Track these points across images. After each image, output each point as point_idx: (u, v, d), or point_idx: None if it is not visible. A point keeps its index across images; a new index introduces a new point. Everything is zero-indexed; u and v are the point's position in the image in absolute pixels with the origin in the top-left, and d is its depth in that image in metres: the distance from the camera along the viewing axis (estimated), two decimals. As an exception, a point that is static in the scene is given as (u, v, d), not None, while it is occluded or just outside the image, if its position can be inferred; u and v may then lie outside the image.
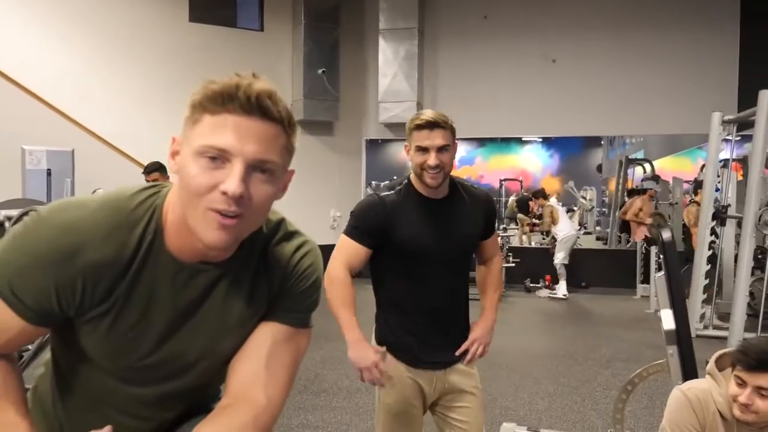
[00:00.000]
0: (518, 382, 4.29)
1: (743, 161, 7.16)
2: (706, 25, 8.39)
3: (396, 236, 1.88)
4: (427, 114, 1.84)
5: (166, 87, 7.85)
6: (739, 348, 1.77)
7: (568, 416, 3.71)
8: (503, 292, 6.77)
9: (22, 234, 0.90)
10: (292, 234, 1.07)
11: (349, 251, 1.91)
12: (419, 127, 1.82)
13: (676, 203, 8.78)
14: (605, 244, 11.27)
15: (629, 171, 11.04)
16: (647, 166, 11.05)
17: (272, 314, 1.05)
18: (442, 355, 1.97)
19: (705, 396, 1.81)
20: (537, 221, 9.07)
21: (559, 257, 8.13)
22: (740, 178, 7.01)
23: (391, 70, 8.85)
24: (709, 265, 5.90)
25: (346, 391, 4.05)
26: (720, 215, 5.93)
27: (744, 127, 6.12)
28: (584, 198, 14.00)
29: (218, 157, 0.86)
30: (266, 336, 1.04)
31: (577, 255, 8.42)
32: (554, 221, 8.31)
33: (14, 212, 4.13)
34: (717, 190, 6.25)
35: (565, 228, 8.30)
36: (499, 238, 8.05)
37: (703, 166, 7.30)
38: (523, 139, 16.39)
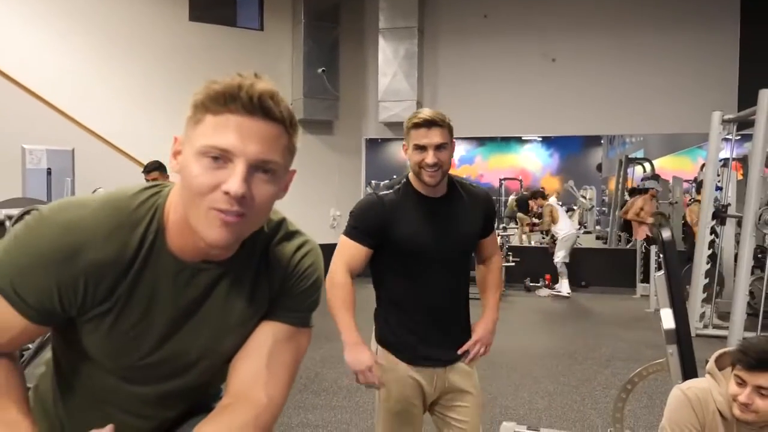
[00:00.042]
0: (518, 381, 4.30)
1: (743, 160, 7.17)
2: (706, 24, 8.39)
3: (395, 235, 1.89)
4: (425, 112, 1.84)
5: (166, 86, 7.85)
6: (739, 347, 1.77)
7: (567, 415, 3.71)
8: (503, 292, 6.77)
9: (24, 233, 0.91)
10: (293, 234, 1.07)
11: (349, 252, 1.91)
12: (417, 125, 1.83)
13: (676, 202, 8.79)
14: (605, 243, 11.28)
15: (629, 170, 11.05)
16: (647, 165, 11.05)
17: (273, 314, 1.06)
18: (443, 353, 1.97)
19: (705, 395, 1.82)
20: (537, 220, 9.07)
21: (560, 256, 8.14)
22: (740, 177, 7.01)
23: (390, 70, 8.84)
24: (709, 264, 5.90)
25: (346, 390, 4.06)
26: (720, 214, 5.94)
27: (744, 126, 6.11)
28: (584, 197, 14.01)
29: (220, 157, 0.86)
30: (267, 335, 1.05)
31: (577, 254, 8.43)
32: (554, 220, 8.32)
33: (15, 211, 4.14)
34: (719, 188, 6.25)
35: (565, 227, 8.31)
36: (498, 238, 8.10)
37: (703, 165, 7.30)
38: (522, 138, 16.39)
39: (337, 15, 8.79)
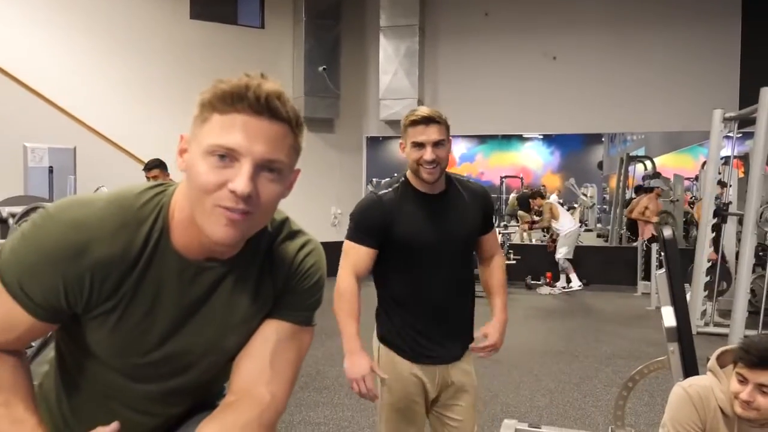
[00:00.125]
0: (519, 379, 4.30)
1: (744, 158, 7.16)
2: (707, 22, 8.37)
3: (396, 233, 1.89)
4: (422, 110, 1.85)
5: (168, 84, 7.86)
6: (740, 345, 1.77)
7: (569, 413, 3.72)
8: (504, 290, 6.77)
9: (30, 231, 0.92)
10: (296, 233, 1.08)
11: (354, 256, 1.91)
12: (414, 123, 1.84)
13: (677, 200, 8.79)
14: (606, 241, 11.28)
15: (630, 168, 11.04)
16: (648, 163, 11.05)
17: (276, 312, 1.06)
18: (445, 351, 1.98)
19: (706, 393, 1.82)
20: (537, 218, 9.07)
21: (562, 252, 8.16)
22: (741, 175, 7.01)
23: (391, 68, 8.84)
24: (710, 263, 5.90)
25: (348, 387, 4.02)
26: (721, 212, 5.93)
27: (745, 124, 6.11)
28: (585, 195, 14.01)
29: (227, 156, 0.87)
30: (270, 333, 1.05)
31: (578, 252, 8.43)
32: (555, 217, 8.33)
33: (18, 209, 4.16)
34: (727, 186, 6.24)
35: (566, 223, 8.32)
36: (500, 236, 8.11)
37: (704, 163, 7.30)
38: (523, 136, 16.40)
39: (338, 13, 8.79)
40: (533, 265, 8.62)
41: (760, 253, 5.89)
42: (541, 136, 16.67)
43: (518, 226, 10.86)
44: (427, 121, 1.83)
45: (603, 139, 16.30)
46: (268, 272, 1.04)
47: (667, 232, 2.26)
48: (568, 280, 8.33)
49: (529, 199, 9.60)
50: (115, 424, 0.98)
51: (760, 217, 5.25)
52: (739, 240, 5.79)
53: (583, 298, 7.90)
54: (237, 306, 1.03)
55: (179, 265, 0.97)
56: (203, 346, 1.04)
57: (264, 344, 1.05)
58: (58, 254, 0.90)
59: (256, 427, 0.99)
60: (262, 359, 1.04)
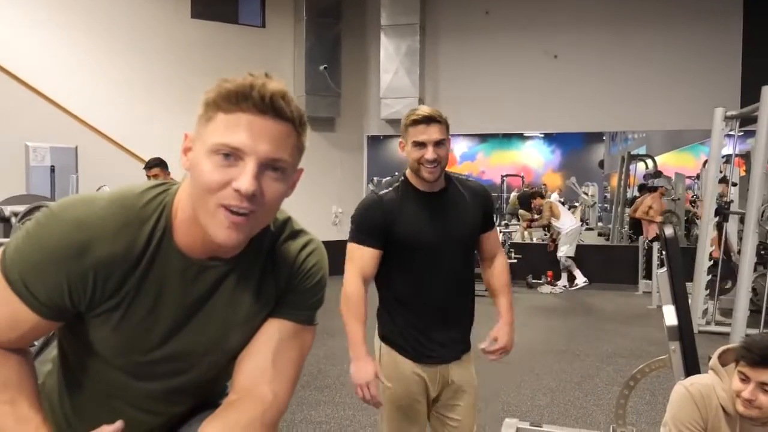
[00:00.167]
0: (520, 378, 4.30)
1: (746, 157, 7.15)
2: (708, 20, 8.36)
3: (398, 232, 1.89)
4: (422, 109, 1.86)
5: (169, 83, 7.87)
6: (742, 344, 1.77)
7: (570, 412, 3.72)
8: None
9: (35, 230, 0.92)
10: (298, 232, 1.08)
11: (359, 258, 1.90)
12: (416, 122, 1.84)
13: (678, 199, 8.79)
14: (607, 240, 11.27)
15: (631, 167, 11.03)
16: (649, 161, 11.04)
17: (278, 311, 1.07)
18: (446, 350, 1.98)
19: (708, 391, 1.82)
20: (537, 216, 9.07)
21: (563, 250, 8.16)
22: (743, 173, 7.00)
23: (392, 66, 8.84)
24: (711, 261, 5.90)
25: (349, 386, 4.05)
26: (723, 211, 5.93)
27: (747, 122, 6.10)
28: (586, 194, 13.99)
29: (231, 155, 0.87)
30: (273, 333, 1.06)
31: (579, 251, 8.43)
32: (555, 216, 8.33)
33: (20, 208, 4.16)
34: (734, 184, 6.23)
35: (567, 222, 8.33)
36: (501, 235, 8.11)
37: (706, 162, 7.29)
38: (524, 134, 16.38)
39: (339, 12, 8.79)
40: (534, 264, 8.61)
41: (762, 252, 5.88)
42: (542, 135, 16.65)
43: (519, 225, 10.86)
44: (428, 120, 1.83)
45: (604, 138, 16.27)
46: (271, 271, 1.05)
47: (669, 230, 2.26)
48: (572, 279, 8.32)
49: (530, 199, 9.59)
50: (119, 423, 0.99)
51: (762, 216, 5.24)
52: (740, 239, 5.78)
53: (584, 296, 7.90)
54: (239, 305, 1.03)
55: (182, 263, 0.97)
56: (205, 345, 1.04)
57: (266, 343, 1.05)
58: (62, 253, 0.90)
59: (259, 426, 1.00)
60: (264, 358, 1.04)
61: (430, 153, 1.83)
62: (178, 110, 7.25)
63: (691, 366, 2.15)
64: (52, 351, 1.16)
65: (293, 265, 1.06)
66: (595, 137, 16.34)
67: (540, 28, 8.84)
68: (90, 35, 7.57)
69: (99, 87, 7.55)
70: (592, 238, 11.68)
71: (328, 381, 4.19)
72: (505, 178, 15.04)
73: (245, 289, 1.03)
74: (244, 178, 0.86)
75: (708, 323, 5.81)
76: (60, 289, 0.92)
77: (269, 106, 0.87)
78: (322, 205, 8.69)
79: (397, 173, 2.04)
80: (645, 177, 10.68)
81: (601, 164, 15.78)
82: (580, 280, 8.20)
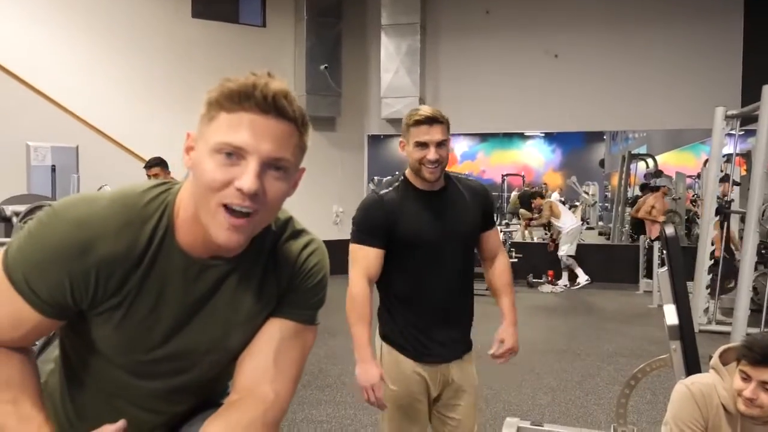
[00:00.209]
0: (521, 377, 4.30)
1: (747, 156, 7.15)
2: (709, 19, 8.35)
3: (399, 231, 1.90)
4: (425, 110, 1.86)
5: (170, 83, 7.88)
6: (744, 343, 1.78)
7: (571, 411, 3.72)
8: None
9: (37, 229, 0.92)
10: (300, 232, 1.09)
11: (364, 259, 1.90)
12: (418, 122, 1.85)
13: (679, 198, 8.79)
14: (608, 239, 11.27)
15: (632, 166, 11.02)
16: (650, 161, 11.03)
17: (280, 311, 1.07)
18: (447, 349, 1.98)
19: (708, 390, 1.82)
20: (536, 215, 9.07)
21: (564, 249, 8.17)
22: (744, 173, 7.00)
23: (393, 66, 8.84)
24: (712, 261, 5.90)
25: (350, 386, 4.07)
26: (723, 210, 5.93)
27: (748, 121, 6.10)
28: (587, 193, 13.99)
29: (234, 154, 0.87)
30: (274, 332, 1.06)
31: (579, 250, 8.43)
32: (555, 215, 8.33)
33: (21, 208, 4.16)
34: (737, 183, 6.21)
35: (568, 221, 8.34)
36: (501, 234, 8.11)
37: (707, 161, 7.29)
38: (525, 134, 16.36)
39: (340, 11, 8.79)
40: (535, 263, 8.61)
41: (763, 251, 5.88)
42: (543, 134, 16.63)
43: (520, 224, 10.86)
44: (431, 121, 1.84)
45: (605, 137, 16.27)
46: (272, 271, 1.05)
47: (669, 229, 2.25)
48: (573, 278, 8.33)
49: (530, 199, 9.59)
50: (121, 422, 0.99)
51: (763, 215, 5.24)
52: (741, 238, 5.78)
53: (584, 296, 7.90)
54: (241, 304, 1.03)
55: (183, 262, 0.98)
56: (207, 344, 1.04)
57: (268, 343, 1.05)
58: (64, 252, 0.90)
59: (260, 425, 1.00)
60: (265, 358, 1.04)
61: (432, 154, 1.83)
62: (178, 109, 7.26)
63: (692, 365, 2.14)
64: (54, 350, 1.16)
65: (295, 265, 1.06)
66: (596, 136, 16.33)
67: (540, 28, 8.83)
68: (90, 34, 7.58)
69: (100, 86, 7.56)
70: (592, 238, 11.68)
71: (329, 380, 4.20)
72: (505, 177, 15.04)
73: (247, 288, 1.03)
74: (247, 177, 0.86)
75: (709, 322, 5.81)
76: (62, 288, 0.92)
77: (272, 105, 0.87)
78: (322, 205, 8.69)
79: (397, 173, 2.05)
80: (646, 176, 10.68)
81: (602, 163, 15.77)
82: (582, 278, 8.21)
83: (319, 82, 8.53)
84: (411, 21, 8.82)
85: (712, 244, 5.92)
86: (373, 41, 9.09)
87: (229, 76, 0.90)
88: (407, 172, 1.97)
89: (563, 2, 8.79)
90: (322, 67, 8.53)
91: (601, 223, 13.82)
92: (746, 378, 1.73)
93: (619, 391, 2.53)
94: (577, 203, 13.76)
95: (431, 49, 9.10)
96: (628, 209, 10.28)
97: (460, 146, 16.82)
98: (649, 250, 7.87)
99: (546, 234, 10.01)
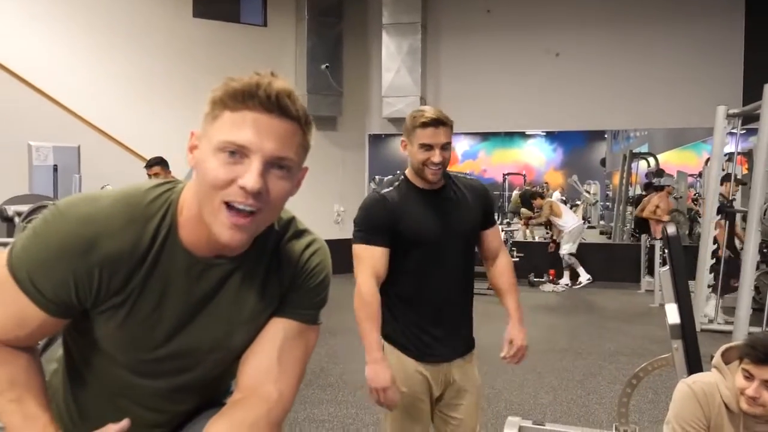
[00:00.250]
0: (523, 376, 4.31)
1: (748, 155, 7.14)
2: (710, 18, 8.34)
3: (401, 230, 1.90)
4: (430, 111, 1.86)
5: (171, 83, 7.88)
6: (747, 341, 1.78)
7: (572, 410, 3.72)
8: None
9: (41, 228, 0.93)
10: (302, 232, 1.09)
11: (370, 259, 1.88)
12: (425, 124, 1.85)
13: (681, 197, 8.78)
14: (609, 238, 11.26)
15: (633, 165, 11.01)
16: (651, 160, 11.02)
17: (282, 311, 1.07)
18: (448, 349, 1.98)
19: (711, 389, 1.82)
20: (536, 214, 9.07)
21: (566, 248, 8.16)
22: (745, 171, 6.99)
23: (394, 65, 8.84)
24: (714, 260, 5.89)
25: (352, 385, 4.07)
26: (725, 209, 5.92)
27: (749, 120, 6.09)
28: (588, 192, 13.98)
29: (237, 153, 0.88)
30: (277, 332, 1.06)
31: (581, 249, 8.43)
32: (556, 215, 8.33)
33: (23, 208, 4.16)
34: (743, 183, 6.19)
35: (570, 220, 8.34)
36: (502, 233, 8.10)
37: (708, 160, 7.28)
38: (526, 133, 16.36)
39: (341, 11, 8.79)
40: (536, 262, 8.61)
41: (765, 250, 5.87)
42: (544, 133, 16.62)
43: (520, 223, 10.84)
44: (437, 123, 1.84)
45: (606, 136, 16.25)
46: (275, 270, 1.05)
47: (671, 229, 2.25)
48: (575, 277, 8.32)
49: (531, 198, 9.59)
50: (125, 422, 0.99)
51: (764, 214, 5.23)
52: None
53: (586, 295, 7.90)
54: (244, 303, 1.04)
55: (187, 261, 0.98)
56: (210, 343, 1.05)
57: (271, 342, 1.05)
58: (68, 249, 0.91)
59: (264, 424, 1.00)
60: (269, 357, 1.04)
61: (437, 156, 1.85)
62: (181, 109, 7.26)
63: (694, 364, 2.14)
64: (58, 350, 1.16)
65: (297, 265, 1.06)
66: (597, 135, 16.31)
67: (541, 27, 8.83)
68: (92, 34, 7.58)
69: (101, 86, 7.56)
70: (594, 237, 11.67)
71: (330, 379, 4.20)
72: (507, 176, 15.03)
73: (250, 287, 1.03)
74: (250, 176, 0.86)
75: (710, 322, 5.81)
76: (67, 286, 0.92)
77: (275, 104, 0.88)
78: (324, 204, 8.69)
79: (398, 171, 2.05)
80: (647, 175, 10.66)
81: (603, 162, 15.76)
82: (584, 278, 8.21)
83: (320, 82, 8.54)
84: (412, 20, 8.82)
85: (715, 243, 5.91)
86: (374, 40, 9.09)
87: (229, 75, 0.90)
88: (408, 171, 1.97)
89: (564, 1, 8.78)
90: (324, 66, 8.53)
91: (602, 222, 13.81)
92: (749, 376, 1.73)
93: (620, 390, 2.53)
94: (579, 202, 13.75)
95: (432, 48, 9.10)
96: (630, 208, 10.26)
97: (461, 145, 16.81)
98: (651, 249, 7.87)
99: (547, 233, 10.00)
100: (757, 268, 5.46)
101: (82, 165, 6.62)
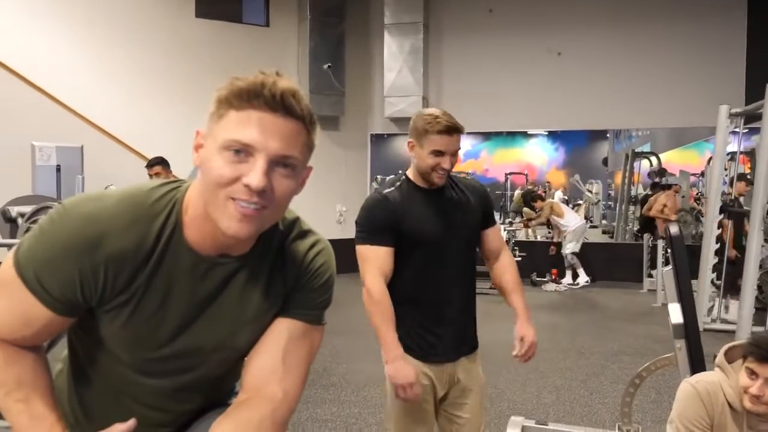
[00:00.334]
0: (525, 376, 4.30)
1: (751, 154, 7.12)
2: (712, 16, 8.33)
3: (404, 230, 1.90)
4: (444, 118, 1.86)
5: (174, 83, 7.90)
6: (750, 340, 1.78)
7: (575, 410, 3.72)
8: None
9: (47, 227, 0.93)
10: (306, 232, 1.09)
11: (377, 259, 1.89)
12: (440, 132, 1.85)
13: (683, 196, 8.76)
14: (611, 237, 11.24)
15: (635, 164, 10.99)
16: (654, 159, 11.00)
17: (287, 311, 1.08)
18: (452, 349, 1.98)
19: (714, 388, 1.82)
20: (536, 214, 9.05)
21: (569, 247, 8.16)
22: (748, 170, 6.98)
23: (396, 65, 8.85)
24: (716, 259, 5.88)
25: (355, 384, 4.08)
26: (727, 209, 5.91)
27: (752, 119, 6.08)
28: (590, 191, 13.96)
29: (242, 151, 0.88)
30: (282, 332, 1.07)
31: (583, 248, 8.43)
32: (558, 215, 8.32)
33: (27, 209, 4.18)
34: (751, 183, 6.17)
35: (572, 219, 8.34)
36: (505, 233, 8.11)
37: (710, 159, 7.27)
38: (528, 132, 16.34)
39: (343, 11, 8.79)
40: (539, 261, 8.61)
41: (768, 249, 5.86)
42: (546, 133, 16.59)
43: (521, 223, 10.82)
44: (453, 131, 1.86)
45: (608, 135, 16.18)
46: (279, 270, 1.05)
47: (674, 228, 2.25)
48: (576, 276, 8.32)
49: (531, 201, 9.58)
50: (131, 421, 1.00)
51: (767, 214, 5.22)
52: (744, 236, 5.76)
53: (588, 294, 7.90)
54: (248, 302, 1.04)
55: (192, 260, 0.98)
56: (214, 342, 1.05)
57: (276, 342, 1.06)
58: (74, 248, 0.91)
59: (269, 424, 1.01)
60: (274, 357, 1.05)
61: (447, 163, 1.87)
62: (185, 109, 7.29)
63: (697, 364, 2.14)
64: (63, 350, 1.17)
65: (301, 265, 1.06)
66: (599, 135, 16.23)
67: (543, 26, 8.83)
68: (94, 35, 7.60)
69: (104, 86, 7.58)
70: (596, 236, 11.65)
71: (333, 379, 4.20)
72: (509, 176, 15.00)
73: (254, 286, 1.04)
74: (254, 174, 0.87)
75: (713, 321, 5.80)
76: (72, 285, 0.93)
77: (280, 103, 0.88)
78: (326, 204, 8.70)
79: (400, 171, 2.06)
80: (649, 174, 10.63)
81: (605, 162, 15.72)
82: (582, 279, 8.21)
83: (322, 82, 8.55)
84: (414, 20, 8.82)
85: (717, 243, 5.90)
86: (377, 40, 9.09)
87: (232, 75, 0.91)
88: (409, 171, 1.98)
89: (566, 1, 8.78)
90: (326, 66, 8.54)
91: (604, 222, 13.78)
92: (753, 375, 1.73)
93: (623, 389, 2.53)
94: (581, 202, 13.73)
95: (434, 47, 9.10)
96: (632, 208, 10.24)
97: (463, 145, 16.49)
98: (653, 249, 7.85)
99: (549, 232, 9.99)
100: (761, 267, 5.45)
101: (85, 165, 6.63)
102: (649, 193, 9.27)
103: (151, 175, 5.09)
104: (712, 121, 6.17)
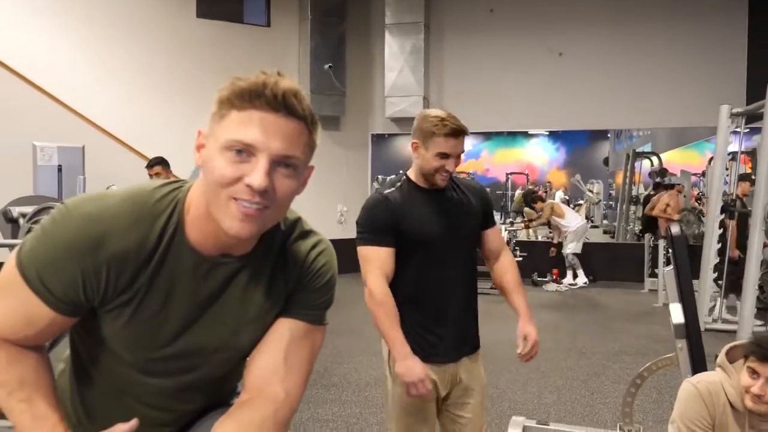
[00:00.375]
0: (526, 376, 4.30)
1: (752, 154, 7.12)
2: (713, 16, 8.33)
3: (404, 230, 1.90)
4: (450, 120, 1.86)
5: (175, 83, 7.91)
6: (752, 339, 1.78)
7: (576, 410, 3.72)
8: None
9: (50, 227, 0.94)
10: (308, 233, 1.10)
11: (378, 259, 1.88)
12: (446, 135, 1.85)
13: (684, 196, 8.75)
14: (612, 237, 11.24)
15: (636, 164, 10.99)
16: (655, 159, 11.00)
17: (289, 311, 1.08)
18: (454, 349, 1.98)
19: (715, 388, 1.82)
20: (536, 215, 9.05)
21: (570, 247, 8.16)
22: (749, 170, 6.97)
23: (397, 65, 8.85)
24: (718, 259, 5.88)
25: (356, 384, 4.08)
26: (729, 209, 5.91)
27: (753, 119, 6.07)
28: (591, 191, 13.95)
29: (244, 151, 0.88)
30: (284, 332, 1.07)
31: (584, 248, 8.43)
32: (559, 215, 8.32)
33: (28, 209, 4.18)
34: (752, 182, 6.16)
35: (573, 220, 8.33)
36: (506, 233, 8.11)
37: (711, 159, 7.27)
38: (529, 132, 16.34)
39: (344, 11, 8.80)
40: (539, 261, 8.61)
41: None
42: (547, 133, 16.58)
43: (523, 222, 10.82)
44: (458, 134, 1.86)
45: (609, 135, 16.17)
46: (281, 270, 1.06)
47: (675, 228, 2.25)
48: (575, 276, 8.33)
49: (531, 203, 9.58)
50: (134, 421, 1.00)
51: (768, 214, 5.21)
52: (746, 237, 5.75)
53: (589, 294, 7.89)
54: (250, 302, 1.04)
55: (194, 260, 0.98)
56: (216, 342, 1.05)
57: (278, 342, 1.06)
58: (76, 247, 0.91)
59: (272, 424, 1.01)
60: (276, 357, 1.05)
61: (451, 165, 1.88)
62: (186, 109, 7.29)
63: (698, 363, 2.14)
64: (65, 350, 1.17)
65: (303, 265, 1.07)
66: (600, 135, 16.22)
67: (544, 26, 8.83)
68: (95, 35, 7.61)
69: (105, 86, 7.59)
70: (597, 236, 11.65)
71: (334, 379, 4.21)
72: (509, 176, 15.01)
73: (256, 286, 1.04)
74: (256, 174, 0.87)
75: (714, 321, 5.80)
76: (75, 284, 0.93)
77: (281, 103, 0.88)
78: (327, 204, 8.71)
79: (401, 171, 2.06)
80: (650, 174, 10.63)
81: (606, 161, 15.71)
82: (581, 280, 8.20)
83: (323, 82, 8.55)
84: (415, 20, 8.83)
85: (718, 243, 5.90)
86: (377, 40, 9.10)
87: (234, 76, 0.91)
88: (410, 171, 1.98)
89: (567, 1, 8.78)
90: (327, 66, 8.55)
91: (605, 222, 13.78)
92: (754, 375, 1.73)
93: (624, 389, 2.53)
94: (582, 201, 13.72)
95: (435, 48, 9.11)
96: (633, 207, 10.24)
97: (463, 145, 16.74)
98: (655, 249, 7.85)
99: (550, 232, 9.99)
100: (761, 267, 5.45)
101: (86, 165, 6.63)
102: (652, 192, 9.26)
103: (151, 176, 5.09)
104: (713, 120, 6.17)
